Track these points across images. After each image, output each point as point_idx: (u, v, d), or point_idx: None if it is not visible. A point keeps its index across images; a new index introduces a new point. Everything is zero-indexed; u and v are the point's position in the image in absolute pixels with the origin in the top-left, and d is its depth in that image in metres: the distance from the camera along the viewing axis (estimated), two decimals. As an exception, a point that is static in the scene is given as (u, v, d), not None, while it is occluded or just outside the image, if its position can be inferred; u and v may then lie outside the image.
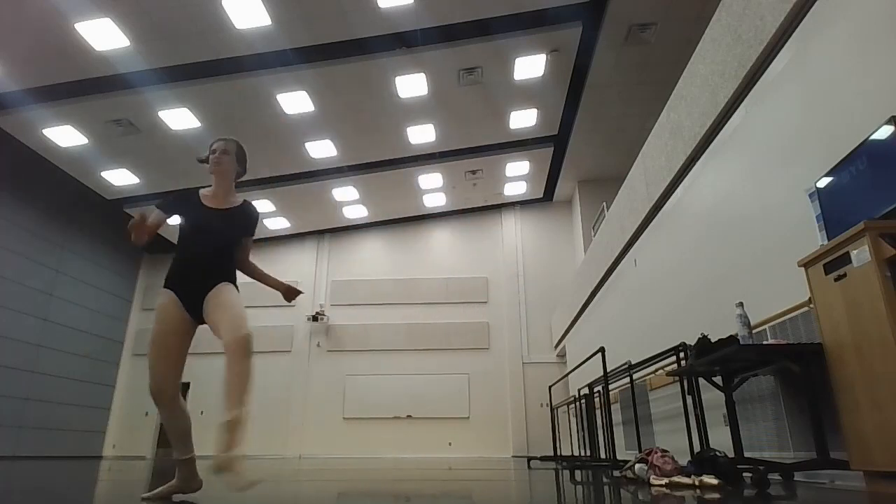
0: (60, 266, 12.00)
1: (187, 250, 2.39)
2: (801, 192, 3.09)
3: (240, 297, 2.33)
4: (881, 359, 2.20)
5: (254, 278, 2.64)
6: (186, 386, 13.97)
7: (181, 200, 2.47)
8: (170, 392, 2.26)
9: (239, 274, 2.51)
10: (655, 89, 8.95)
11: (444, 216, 14.90)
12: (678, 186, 5.38)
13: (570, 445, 10.20)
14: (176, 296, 2.30)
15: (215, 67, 8.89)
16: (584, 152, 12.12)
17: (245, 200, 2.59)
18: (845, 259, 2.38)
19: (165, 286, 2.34)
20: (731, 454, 3.33)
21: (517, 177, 13.35)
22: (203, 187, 2.55)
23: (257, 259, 2.58)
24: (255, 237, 2.60)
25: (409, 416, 13.01)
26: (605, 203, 9.91)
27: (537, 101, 10.32)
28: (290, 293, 2.66)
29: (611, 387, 6.27)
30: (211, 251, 2.39)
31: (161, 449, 13.39)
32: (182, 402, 2.33)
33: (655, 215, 6.01)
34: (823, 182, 2.82)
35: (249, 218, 2.57)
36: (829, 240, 2.62)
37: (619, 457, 5.93)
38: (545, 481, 3.69)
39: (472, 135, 11.39)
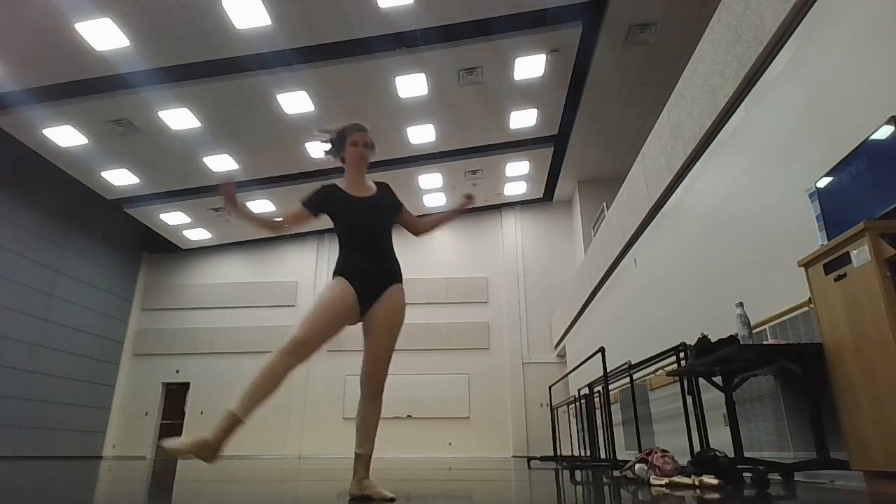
0: (60, 266, 12.00)
1: (353, 245, 2.45)
2: (801, 192, 3.09)
3: (404, 308, 2.45)
4: (881, 359, 2.20)
5: (433, 229, 2.78)
6: (186, 386, 14.00)
7: (327, 198, 2.51)
8: (308, 351, 2.27)
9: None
10: (655, 89, 8.97)
11: (444, 216, 14.89)
12: (678, 186, 5.38)
13: (570, 445, 10.20)
14: (350, 285, 2.34)
15: (215, 67, 8.89)
16: (584, 152, 12.12)
17: (378, 182, 2.65)
18: (845, 259, 2.38)
19: (339, 275, 2.38)
20: (731, 454, 3.33)
21: (517, 177, 13.35)
22: (337, 179, 2.60)
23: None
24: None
25: (409, 416, 13.00)
26: (605, 203, 9.90)
27: (537, 101, 10.32)
28: (463, 207, 2.78)
29: (611, 387, 6.26)
30: (375, 242, 2.45)
31: (161, 449, 13.38)
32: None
33: (655, 215, 6.01)
34: (823, 182, 2.82)
35: (393, 196, 2.64)
36: (829, 240, 2.62)
37: (619, 457, 5.93)
38: (545, 481, 3.69)
39: (472, 135, 11.39)
